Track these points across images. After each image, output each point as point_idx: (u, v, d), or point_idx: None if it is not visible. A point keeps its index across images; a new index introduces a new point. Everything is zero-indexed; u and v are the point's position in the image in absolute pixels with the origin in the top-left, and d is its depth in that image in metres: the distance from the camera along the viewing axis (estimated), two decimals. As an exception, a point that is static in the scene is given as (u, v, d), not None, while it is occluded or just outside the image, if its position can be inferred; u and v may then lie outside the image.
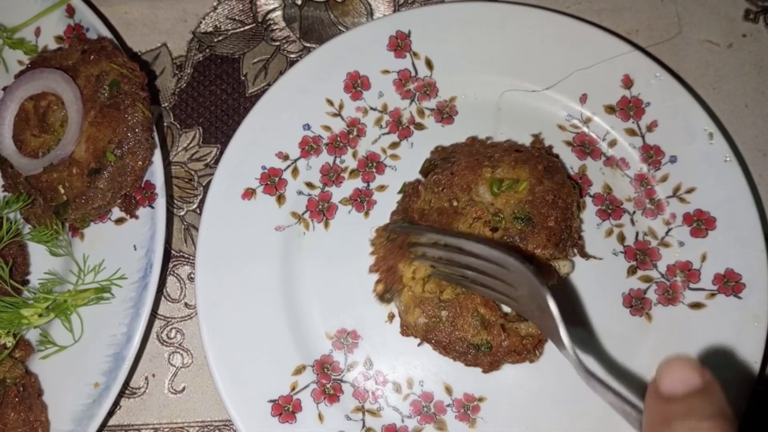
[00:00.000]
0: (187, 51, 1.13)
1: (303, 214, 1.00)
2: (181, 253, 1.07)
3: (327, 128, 1.02)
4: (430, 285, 0.89)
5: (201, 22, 1.14)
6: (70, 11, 1.06)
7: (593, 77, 1.00)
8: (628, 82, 0.99)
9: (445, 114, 1.03)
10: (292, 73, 1.01)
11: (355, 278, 0.97)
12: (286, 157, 1.01)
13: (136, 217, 0.99)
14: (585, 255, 0.97)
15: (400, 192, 0.99)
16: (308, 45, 1.13)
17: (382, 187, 1.02)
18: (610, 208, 0.99)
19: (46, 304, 0.95)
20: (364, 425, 0.94)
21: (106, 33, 1.04)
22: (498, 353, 0.87)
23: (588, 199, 1.00)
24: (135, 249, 0.98)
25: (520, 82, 1.02)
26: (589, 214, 0.99)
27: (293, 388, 0.94)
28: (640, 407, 0.58)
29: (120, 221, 1.00)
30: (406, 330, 0.93)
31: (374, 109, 1.03)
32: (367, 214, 1.01)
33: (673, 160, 0.97)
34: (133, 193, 0.99)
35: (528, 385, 0.94)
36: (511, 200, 0.90)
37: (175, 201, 1.08)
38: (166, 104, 1.11)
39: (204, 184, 1.08)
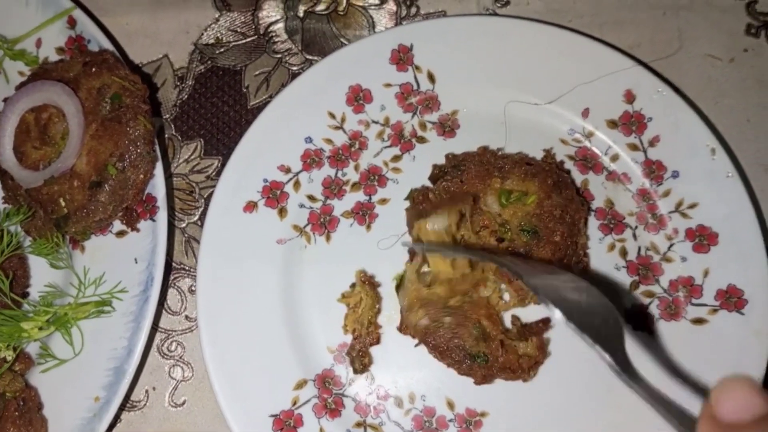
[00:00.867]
0: (189, 63, 1.13)
1: (305, 227, 1.00)
2: (182, 266, 1.06)
3: (329, 141, 1.02)
4: (439, 288, 0.88)
5: (203, 34, 1.14)
6: (72, 22, 1.06)
7: (595, 92, 1.00)
8: (630, 97, 0.99)
9: (447, 127, 1.03)
10: (294, 85, 1.01)
11: (357, 292, 0.96)
12: (287, 170, 1.01)
13: (137, 230, 0.99)
14: (587, 273, 0.96)
15: (406, 198, 0.98)
16: (310, 57, 1.12)
17: (383, 200, 1.01)
18: (612, 222, 0.99)
19: (47, 317, 0.94)
20: (365, 440, 0.93)
21: (107, 44, 1.03)
22: (493, 367, 0.87)
23: (590, 214, 1.00)
24: (136, 262, 0.97)
25: (522, 96, 1.02)
26: (592, 229, 0.99)
27: (294, 403, 0.94)
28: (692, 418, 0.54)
29: (121, 234, 1.00)
30: (405, 329, 0.91)
31: (376, 123, 1.03)
32: (369, 227, 1.01)
33: (675, 175, 0.97)
34: (135, 206, 0.98)
35: (530, 401, 0.94)
36: (518, 212, 0.91)
37: (176, 213, 1.08)
38: (168, 116, 1.11)
39: (205, 196, 1.08)
